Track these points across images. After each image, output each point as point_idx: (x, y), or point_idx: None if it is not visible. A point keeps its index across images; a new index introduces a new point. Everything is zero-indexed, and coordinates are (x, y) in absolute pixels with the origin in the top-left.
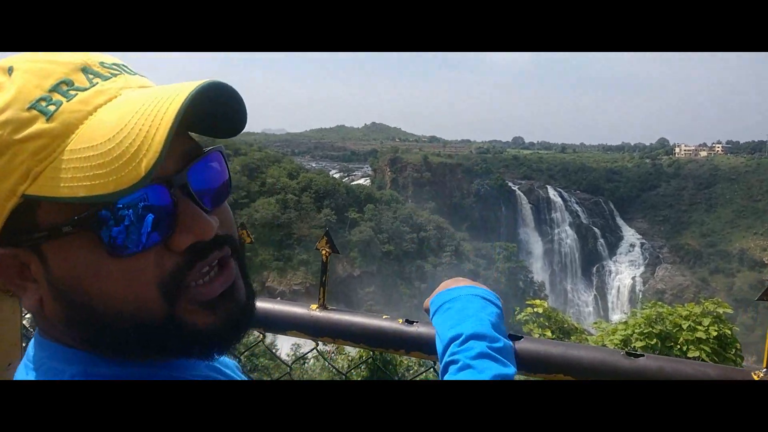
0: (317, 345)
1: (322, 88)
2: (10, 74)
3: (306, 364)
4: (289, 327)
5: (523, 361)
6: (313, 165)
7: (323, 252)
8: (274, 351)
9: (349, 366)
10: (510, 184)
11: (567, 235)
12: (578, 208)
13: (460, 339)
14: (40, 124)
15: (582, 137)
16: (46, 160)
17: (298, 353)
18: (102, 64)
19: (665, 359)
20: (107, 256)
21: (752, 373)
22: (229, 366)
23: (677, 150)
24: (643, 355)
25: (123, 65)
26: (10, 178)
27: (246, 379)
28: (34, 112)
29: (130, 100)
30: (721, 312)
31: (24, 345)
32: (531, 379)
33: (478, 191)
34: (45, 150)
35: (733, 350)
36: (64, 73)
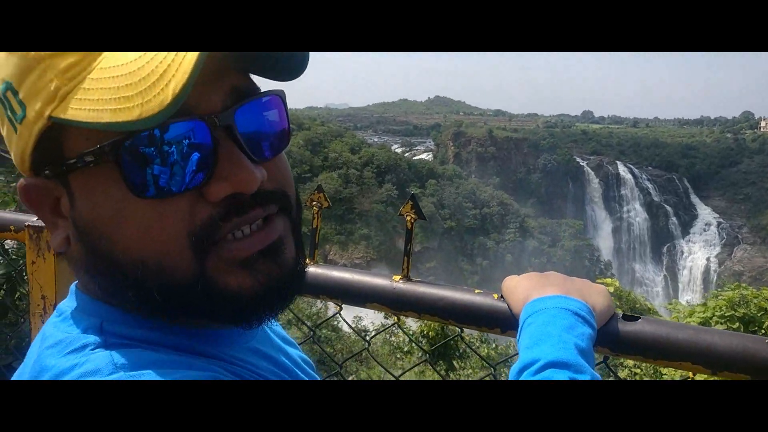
0: (398, 320)
1: (385, 62)
2: None
3: (367, 336)
4: (369, 299)
5: (643, 345)
6: (375, 140)
7: (408, 218)
8: (338, 323)
9: (410, 340)
10: (578, 159)
11: (636, 213)
12: (649, 185)
13: (536, 366)
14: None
15: (656, 111)
16: (75, 79)
17: (360, 325)
18: None
19: None
20: (131, 196)
21: None
22: (274, 340)
23: (763, 123)
24: None
25: None
26: (38, 98)
27: (294, 352)
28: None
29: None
30: None
31: None
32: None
33: (544, 166)
34: (75, 67)
35: None
36: None
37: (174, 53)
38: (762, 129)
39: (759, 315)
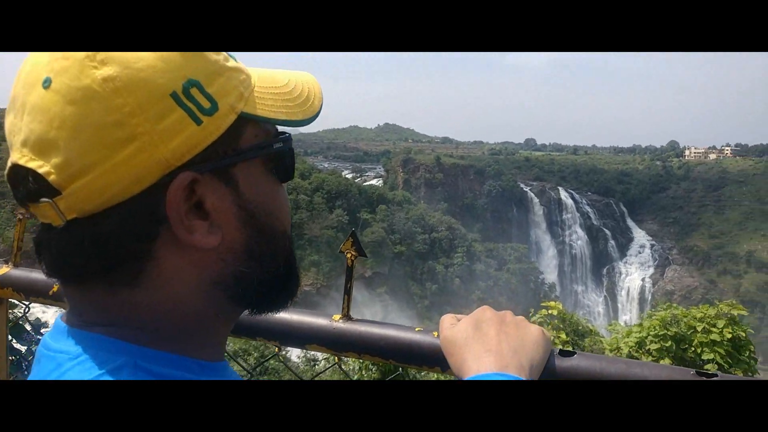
0: (339, 360)
1: (336, 89)
2: None
3: (317, 366)
4: (309, 341)
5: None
6: (326, 165)
7: (348, 255)
8: (284, 354)
9: (360, 368)
10: (522, 185)
11: (578, 237)
12: (589, 210)
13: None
14: (234, 62)
15: (594, 139)
16: (248, 88)
17: (309, 355)
18: None
19: (744, 380)
20: (276, 181)
21: None
22: None
23: (687, 152)
24: (716, 375)
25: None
26: (230, 96)
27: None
28: (225, 53)
29: (265, 69)
30: (735, 314)
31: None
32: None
33: (490, 192)
34: (247, 81)
35: (747, 352)
36: None
37: (306, 86)
38: (686, 157)
39: (689, 333)
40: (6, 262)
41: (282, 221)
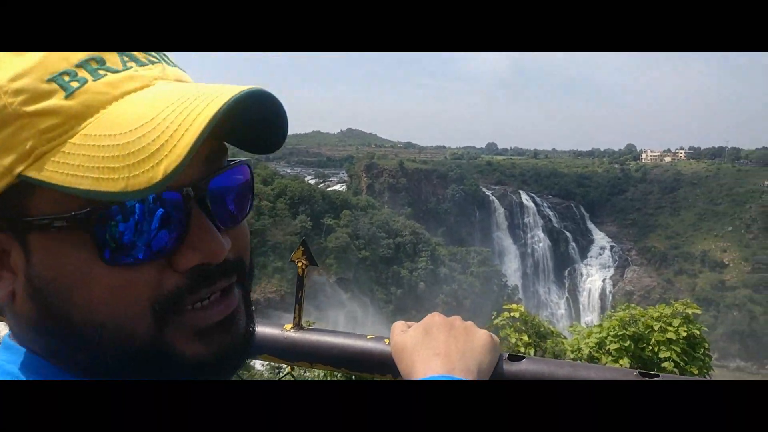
0: (292, 370)
1: (297, 93)
2: None
3: (280, 374)
4: (259, 350)
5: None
6: (288, 171)
7: (299, 264)
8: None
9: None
10: (484, 189)
11: (540, 239)
12: (550, 213)
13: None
14: (58, 100)
15: (554, 143)
16: (54, 140)
17: (273, 363)
18: None
19: (683, 378)
20: (100, 262)
21: None
22: None
23: (644, 155)
24: (658, 375)
25: (164, 54)
26: (9, 154)
27: None
28: (54, 85)
29: (162, 92)
30: (690, 312)
31: None
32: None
33: (453, 196)
34: (56, 130)
35: (702, 350)
36: (93, 53)
37: (168, 131)
38: (643, 160)
39: (647, 332)
40: None
41: (89, 310)
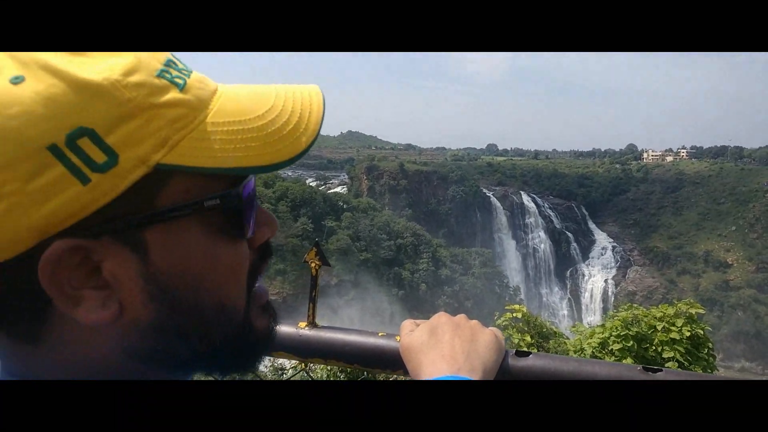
0: (306, 367)
1: None
2: None
3: (284, 376)
4: (275, 348)
5: (534, 379)
6: (289, 174)
7: (312, 265)
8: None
9: (328, 376)
10: (485, 190)
11: (541, 240)
12: (551, 213)
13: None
14: (175, 93)
15: (554, 144)
16: (183, 129)
17: (276, 365)
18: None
19: (685, 374)
20: (222, 242)
21: None
22: None
23: (645, 155)
24: (661, 370)
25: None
26: (142, 144)
27: None
28: (165, 81)
29: (253, 88)
30: (694, 312)
31: None
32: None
33: (453, 198)
34: (183, 120)
35: (706, 350)
36: (165, 55)
37: (294, 115)
38: (645, 160)
39: (649, 332)
40: None
41: (216, 293)
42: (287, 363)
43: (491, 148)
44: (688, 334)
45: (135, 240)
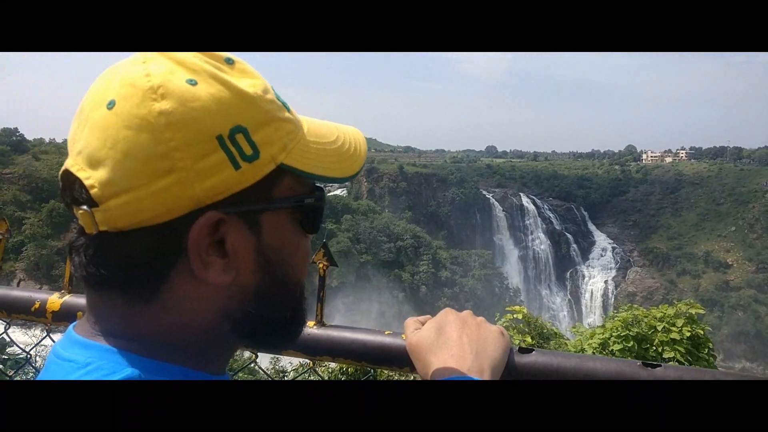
0: (313, 365)
1: (296, 99)
2: (230, 64)
3: (286, 378)
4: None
5: (537, 375)
6: None
7: (320, 265)
8: (255, 365)
9: (330, 378)
10: (484, 192)
11: (541, 242)
12: (551, 215)
13: None
14: (287, 113)
15: (553, 145)
16: (294, 140)
17: (277, 366)
18: None
19: (684, 369)
20: (301, 232)
21: None
22: None
23: (644, 156)
24: (660, 365)
25: None
26: (273, 146)
27: None
28: (280, 102)
29: (318, 121)
30: (694, 313)
31: None
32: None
33: (453, 200)
34: (294, 133)
35: (706, 350)
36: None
37: (352, 144)
38: (644, 161)
39: (650, 333)
40: None
41: (297, 272)
42: (288, 366)
43: (490, 150)
44: (688, 334)
45: (253, 221)
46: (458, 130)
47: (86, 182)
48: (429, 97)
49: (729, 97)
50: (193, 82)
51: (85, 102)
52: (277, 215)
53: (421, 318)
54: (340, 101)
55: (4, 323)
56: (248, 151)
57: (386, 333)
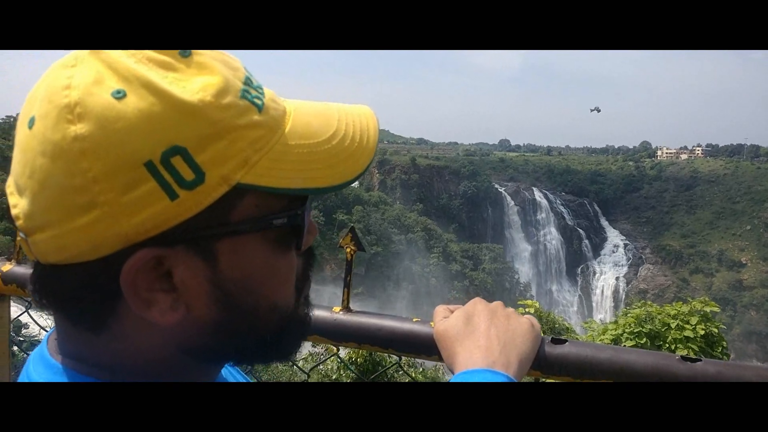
0: (338, 350)
1: (309, 91)
2: (186, 57)
3: (295, 366)
4: (310, 331)
5: (571, 366)
6: None
7: (348, 249)
8: None
9: (338, 367)
10: (496, 186)
11: (552, 237)
12: (563, 210)
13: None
14: (255, 115)
15: (567, 140)
16: (261, 150)
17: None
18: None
19: (723, 364)
20: (279, 252)
21: None
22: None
23: (659, 153)
24: (700, 360)
25: None
26: (226, 164)
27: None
28: (247, 102)
29: (316, 107)
30: (708, 311)
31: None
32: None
33: (465, 193)
34: (261, 141)
35: (720, 348)
36: (243, 72)
37: (355, 138)
38: (659, 158)
39: (663, 330)
40: (8, 260)
41: (274, 298)
42: (305, 351)
43: (504, 144)
44: (702, 332)
45: (206, 250)
46: (471, 123)
47: (13, 212)
48: (443, 89)
49: (747, 94)
50: (120, 95)
51: (21, 110)
52: (239, 239)
53: (451, 306)
54: (353, 91)
55: (26, 303)
56: (188, 176)
57: (414, 320)
